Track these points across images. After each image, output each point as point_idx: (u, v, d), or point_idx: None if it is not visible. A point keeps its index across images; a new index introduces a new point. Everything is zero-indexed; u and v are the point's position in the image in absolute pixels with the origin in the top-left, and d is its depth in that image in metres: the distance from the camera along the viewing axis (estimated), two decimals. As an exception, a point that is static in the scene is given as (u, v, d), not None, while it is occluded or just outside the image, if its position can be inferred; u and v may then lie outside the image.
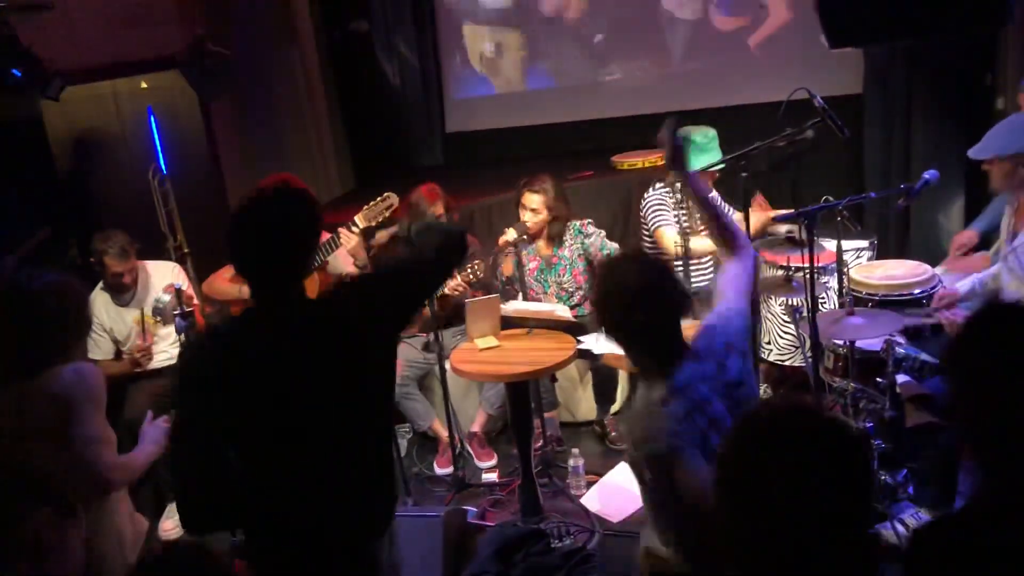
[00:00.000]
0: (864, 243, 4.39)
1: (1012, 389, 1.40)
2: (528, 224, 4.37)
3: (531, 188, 4.41)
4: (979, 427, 1.46)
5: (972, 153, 3.28)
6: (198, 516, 2.07)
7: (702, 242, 4.37)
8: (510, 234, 4.24)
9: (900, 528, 3.30)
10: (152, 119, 5.22)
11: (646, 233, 4.58)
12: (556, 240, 4.51)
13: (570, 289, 4.56)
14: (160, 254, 4.64)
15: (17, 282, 2.53)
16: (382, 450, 2.27)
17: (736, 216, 4.53)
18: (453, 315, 4.41)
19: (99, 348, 4.26)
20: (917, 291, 3.72)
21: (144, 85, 5.55)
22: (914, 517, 3.41)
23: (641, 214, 4.57)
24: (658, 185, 4.51)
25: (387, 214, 4.24)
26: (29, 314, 2.49)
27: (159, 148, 5.19)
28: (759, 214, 4.21)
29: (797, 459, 1.32)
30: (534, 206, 4.40)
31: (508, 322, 4.07)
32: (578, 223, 4.56)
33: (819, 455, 1.32)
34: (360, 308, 2.18)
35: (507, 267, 4.44)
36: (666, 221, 4.41)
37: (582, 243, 4.51)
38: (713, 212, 2.51)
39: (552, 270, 4.54)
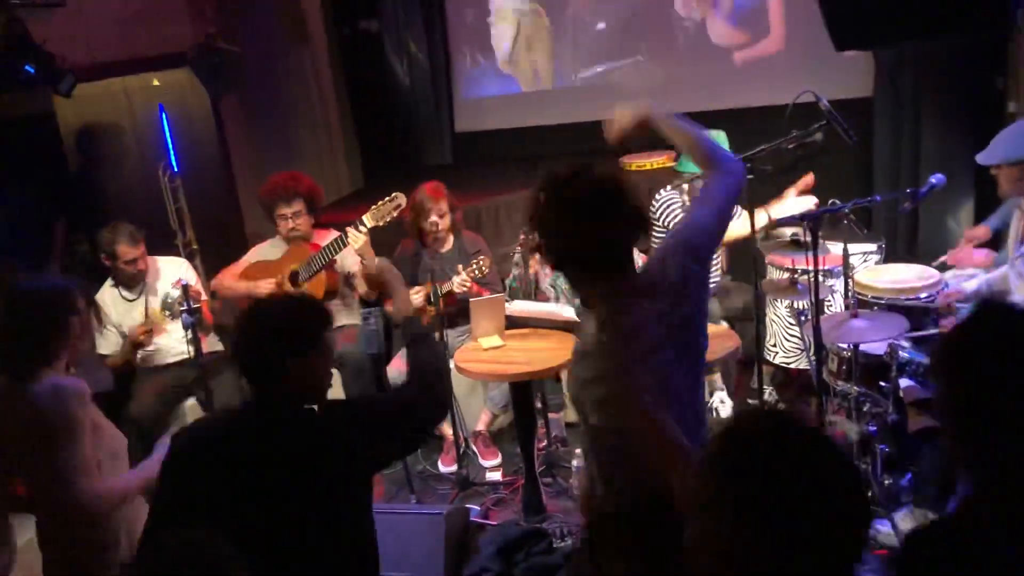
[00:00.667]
0: (872, 246, 4.37)
1: (1001, 391, 1.39)
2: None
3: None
4: (967, 429, 1.46)
5: (980, 159, 3.27)
6: None
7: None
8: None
9: (897, 530, 3.30)
10: (163, 116, 5.26)
11: (659, 232, 4.57)
12: None
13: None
14: (170, 250, 4.68)
15: (9, 286, 2.58)
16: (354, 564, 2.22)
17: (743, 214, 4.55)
18: (457, 314, 4.42)
19: (107, 342, 4.29)
20: (924, 295, 3.71)
21: (156, 82, 5.59)
22: (913, 519, 3.41)
23: (654, 217, 4.57)
24: (668, 188, 4.51)
25: (395, 214, 4.25)
26: (13, 318, 2.53)
27: (170, 145, 5.23)
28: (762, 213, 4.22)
29: (781, 480, 1.20)
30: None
31: (512, 322, 4.08)
32: None
33: (807, 474, 1.20)
34: (341, 444, 2.14)
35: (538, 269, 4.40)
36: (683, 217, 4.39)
37: None
38: (694, 136, 2.30)
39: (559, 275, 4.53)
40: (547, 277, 4.48)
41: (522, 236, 4.36)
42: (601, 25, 6.42)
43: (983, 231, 4.29)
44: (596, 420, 1.94)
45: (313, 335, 2.17)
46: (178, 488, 2.13)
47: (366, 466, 2.22)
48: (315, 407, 2.18)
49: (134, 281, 4.30)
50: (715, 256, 4.51)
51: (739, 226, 4.35)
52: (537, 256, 4.29)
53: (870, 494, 3.42)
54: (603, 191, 1.92)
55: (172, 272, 4.40)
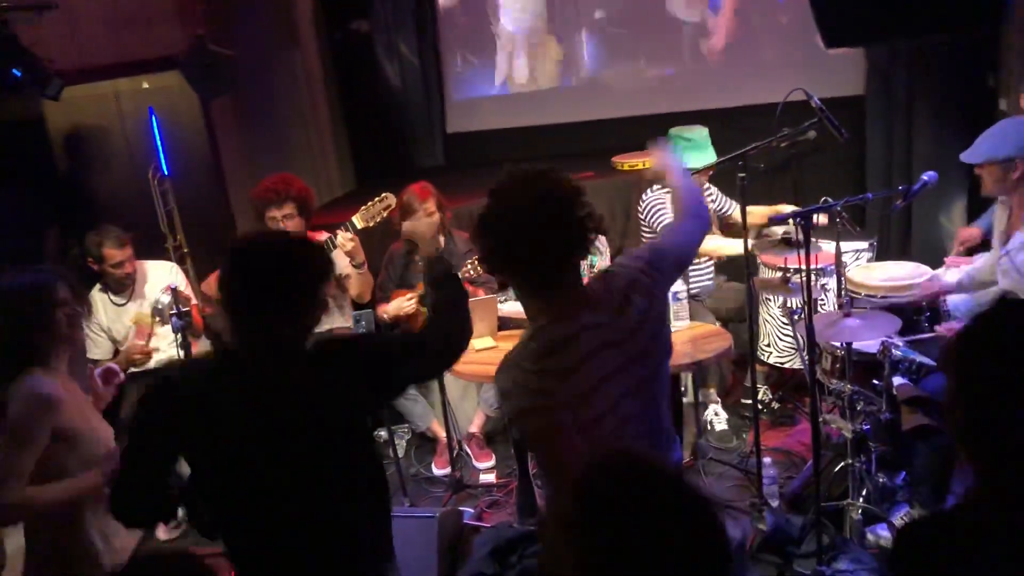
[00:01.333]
0: (864, 244, 4.37)
1: (1014, 388, 1.38)
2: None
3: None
4: (975, 427, 1.44)
5: (964, 157, 3.27)
6: (132, 517, 2.13)
7: (716, 241, 4.37)
8: None
9: (893, 529, 3.29)
10: (153, 119, 5.23)
11: (647, 234, 4.57)
12: None
13: None
14: (160, 254, 4.66)
15: None
16: (365, 507, 2.17)
17: (736, 212, 4.55)
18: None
19: (97, 348, 4.26)
20: (917, 292, 3.70)
21: (145, 85, 5.55)
22: (908, 516, 3.41)
23: (641, 216, 4.56)
24: (655, 187, 4.50)
25: (385, 215, 4.24)
26: None
27: (160, 148, 5.20)
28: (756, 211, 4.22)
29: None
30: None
31: (505, 323, 4.06)
32: (598, 240, 4.51)
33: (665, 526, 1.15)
34: (349, 378, 2.08)
35: None
36: (669, 221, 4.39)
37: (591, 258, 4.45)
38: (684, 187, 2.40)
39: None
40: None
41: None
42: (596, 27, 6.41)
43: (975, 232, 4.28)
44: (516, 432, 1.94)
45: (312, 285, 2.09)
46: (156, 438, 2.04)
47: (380, 392, 2.18)
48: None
49: (122, 286, 4.28)
50: (706, 259, 4.51)
51: (729, 245, 4.35)
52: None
53: (865, 492, 3.41)
54: (547, 202, 1.85)
55: (161, 276, 4.38)
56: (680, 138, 4.37)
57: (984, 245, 4.30)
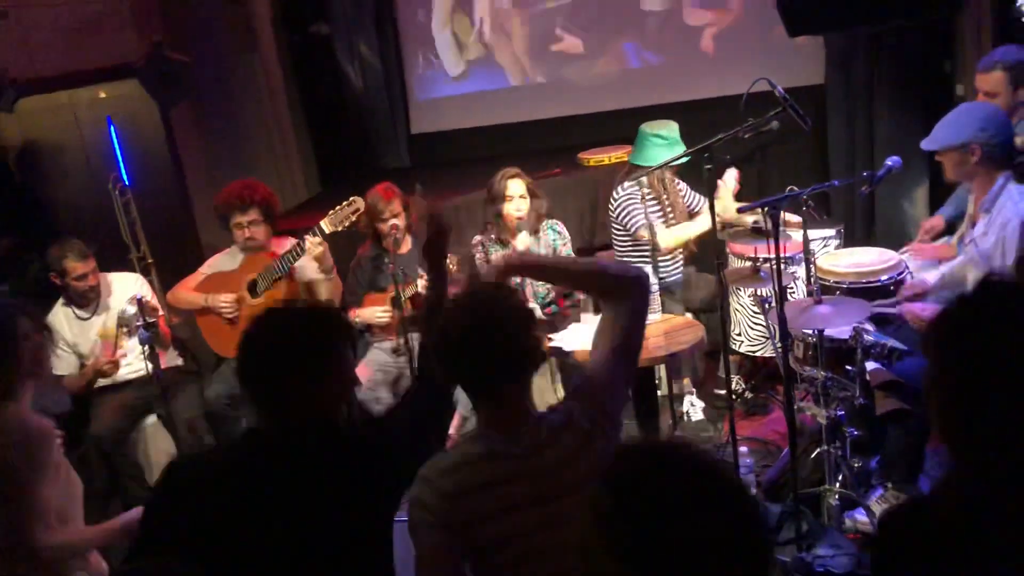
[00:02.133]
0: (831, 231, 4.41)
1: (995, 369, 1.37)
2: (521, 214, 4.29)
3: (510, 176, 4.32)
4: (953, 409, 1.44)
5: (924, 145, 3.30)
6: None
7: (672, 235, 4.38)
8: (523, 239, 4.24)
9: (871, 513, 3.33)
10: (112, 129, 5.14)
11: (618, 231, 4.56)
12: (533, 234, 4.44)
13: (546, 286, 4.53)
14: (123, 265, 4.58)
15: None
16: None
17: (705, 207, 4.57)
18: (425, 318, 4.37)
19: (63, 363, 4.18)
20: (885, 278, 3.74)
21: (102, 94, 5.47)
22: (882, 499, 3.44)
23: (612, 215, 4.55)
24: (626, 184, 4.49)
25: (353, 219, 4.20)
26: None
27: (120, 158, 5.12)
28: (725, 204, 4.24)
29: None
30: (521, 192, 4.31)
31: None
32: (554, 223, 4.52)
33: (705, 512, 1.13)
34: (383, 461, 2.01)
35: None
36: (641, 220, 4.38)
37: (555, 242, 4.47)
38: (582, 270, 2.42)
39: None
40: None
41: (480, 235, 4.34)
42: (557, 22, 6.40)
43: (937, 222, 4.33)
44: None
45: (336, 353, 2.00)
46: (172, 520, 1.94)
47: (402, 479, 2.02)
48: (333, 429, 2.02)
49: (86, 299, 4.21)
50: (677, 253, 4.53)
51: (697, 225, 4.37)
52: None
53: (841, 477, 3.44)
54: (495, 329, 1.88)
55: (126, 288, 4.31)
56: (654, 135, 4.38)
57: (947, 232, 4.36)
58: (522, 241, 4.22)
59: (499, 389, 1.92)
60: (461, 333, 1.89)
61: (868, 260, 3.88)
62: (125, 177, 4.96)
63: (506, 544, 1.89)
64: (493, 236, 4.35)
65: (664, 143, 4.34)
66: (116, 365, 4.16)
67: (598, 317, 2.18)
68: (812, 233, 3.81)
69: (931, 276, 3.65)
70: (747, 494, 1.19)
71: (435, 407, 2.26)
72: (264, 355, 1.95)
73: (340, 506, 1.94)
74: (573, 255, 4.47)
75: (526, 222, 4.29)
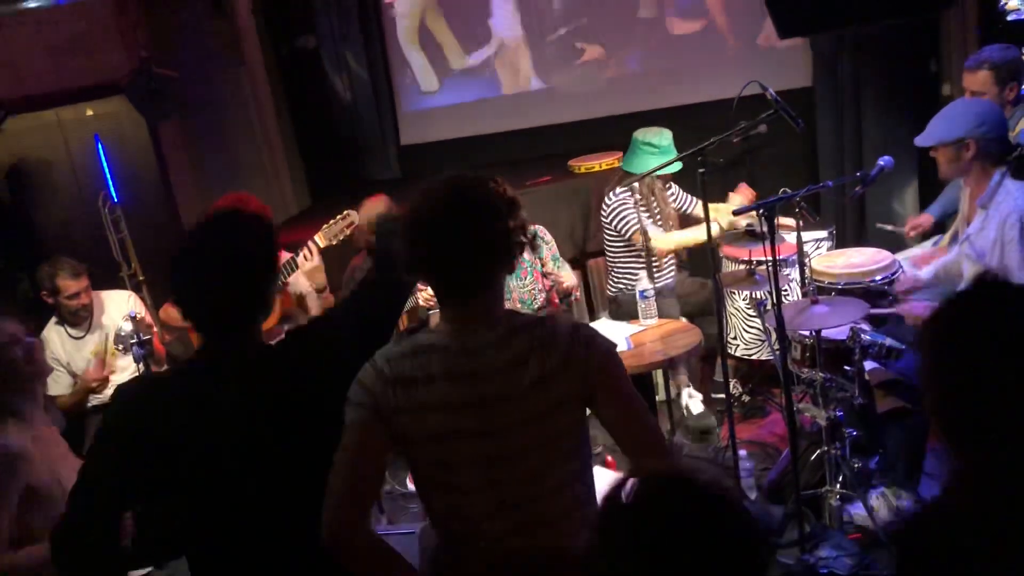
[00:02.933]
0: (823, 233, 4.42)
1: (990, 369, 1.37)
2: None
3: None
4: (951, 407, 1.44)
5: (918, 141, 3.31)
6: (73, 562, 1.88)
7: (669, 238, 4.39)
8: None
9: (871, 510, 3.33)
10: (100, 146, 5.12)
11: (611, 236, 4.57)
12: None
13: (534, 292, 4.52)
14: (115, 283, 4.55)
15: None
16: None
17: (698, 209, 4.57)
18: (420, 328, 4.35)
19: (57, 384, 4.14)
20: (879, 278, 3.74)
21: (90, 112, 5.45)
22: (885, 499, 3.43)
23: (604, 220, 4.55)
24: (618, 190, 4.50)
25: (348, 232, 4.18)
26: None
27: (108, 175, 5.09)
28: (724, 214, 4.24)
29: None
30: None
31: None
32: (537, 229, 4.51)
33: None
34: (322, 357, 1.99)
35: None
36: (635, 222, 4.38)
37: (539, 247, 4.45)
38: None
39: (514, 275, 4.46)
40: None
41: None
42: (546, 31, 6.40)
43: (926, 219, 4.36)
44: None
45: (274, 253, 2.00)
46: (122, 452, 1.89)
47: (359, 351, 1.97)
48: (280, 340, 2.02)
49: (79, 318, 4.17)
50: (669, 258, 4.53)
51: (693, 233, 4.37)
52: None
53: (842, 478, 3.44)
54: (470, 208, 1.76)
55: (118, 305, 4.28)
56: (646, 143, 4.39)
57: (936, 230, 4.38)
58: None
59: (467, 282, 1.78)
60: (432, 212, 1.75)
61: (862, 260, 3.89)
62: (114, 194, 4.93)
63: (430, 441, 1.80)
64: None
65: (656, 151, 4.35)
66: (107, 382, 4.13)
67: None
68: (805, 235, 3.82)
69: (926, 272, 3.67)
70: (748, 529, 1.17)
71: (389, 303, 2.19)
72: (196, 272, 1.91)
73: (293, 406, 1.93)
74: (561, 260, 4.47)
75: None
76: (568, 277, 4.35)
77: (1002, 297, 1.44)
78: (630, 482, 1.19)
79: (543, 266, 4.41)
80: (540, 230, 4.51)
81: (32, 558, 2.36)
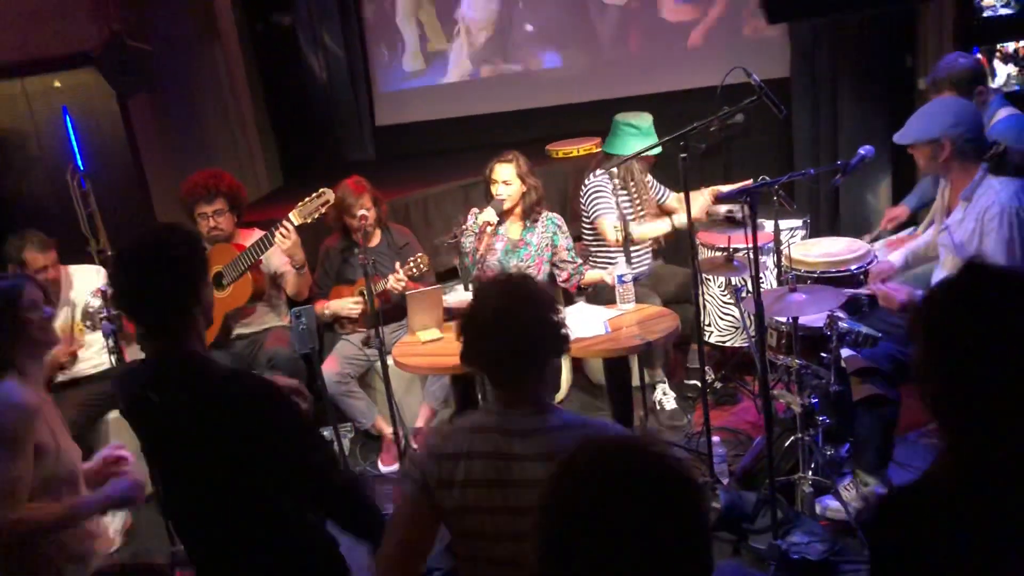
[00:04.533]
0: (798, 222, 4.45)
1: (984, 354, 1.38)
2: (503, 198, 4.21)
3: (500, 160, 4.27)
4: (946, 392, 1.44)
5: (896, 138, 3.33)
6: None
7: (643, 228, 4.39)
8: (488, 213, 4.09)
9: (842, 499, 3.36)
10: (68, 119, 5.01)
11: (586, 221, 4.56)
12: (528, 222, 4.36)
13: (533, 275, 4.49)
14: (82, 258, 4.46)
15: None
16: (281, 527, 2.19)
17: (676, 197, 4.57)
18: (393, 310, 4.31)
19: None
20: (854, 267, 3.78)
21: (57, 84, 5.32)
22: (855, 486, 3.47)
23: (581, 203, 4.54)
24: (597, 172, 4.49)
25: (323, 210, 4.13)
26: None
27: (76, 149, 4.99)
28: (702, 198, 4.24)
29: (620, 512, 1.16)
30: (505, 177, 4.24)
31: (452, 314, 4.00)
32: (555, 217, 4.45)
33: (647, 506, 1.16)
34: (244, 429, 2.07)
35: (482, 242, 4.20)
36: (606, 209, 4.39)
37: (554, 236, 4.41)
38: None
39: (516, 254, 4.36)
40: (495, 255, 4.36)
41: (461, 219, 4.27)
42: (526, 14, 6.36)
43: (902, 211, 4.41)
44: None
45: (202, 261, 2.18)
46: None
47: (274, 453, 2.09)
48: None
49: (48, 293, 4.08)
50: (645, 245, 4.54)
51: (656, 227, 4.39)
52: (487, 236, 4.22)
53: (814, 465, 3.46)
54: (509, 306, 1.95)
55: (87, 280, 4.21)
56: (628, 125, 4.39)
57: (910, 222, 4.43)
58: (487, 216, 4.14)
59: (517, 370, 1.95)
60: (493, 312, 1.94)
61: (837, 250, 3.93)
62: (82, 168, 4.83)
63: (464, 515, 1.95)
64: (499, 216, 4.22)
65: (637, 132, 4.36)
66: (74, 357, 4.05)
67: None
68: (781, 224, 3.84)
69: (896, 257, 3.70)
70: (692, 495, 1.21)
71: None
72: (151, 281, 2.07)
73: (203, 429, 2.07)
74: (572, 249, 4.44)
75: (498, 203, 4.20)
76: (591, 274, 4.39)
77: (991, 282, 1.45)
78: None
79: (554, 255, 4.36)
80: (558, 219, 4.44)
81: (46, 514, 2.40)
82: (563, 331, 1.99)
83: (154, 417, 2.12)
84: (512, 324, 1.92)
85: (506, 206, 4.23)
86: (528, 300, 1.96)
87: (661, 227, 4.40)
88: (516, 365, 1.95)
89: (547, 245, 4.36)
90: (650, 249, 4.68)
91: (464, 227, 4.11)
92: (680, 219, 4.21)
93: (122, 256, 2.14)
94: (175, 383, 2.09)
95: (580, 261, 4.43)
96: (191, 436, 2.08)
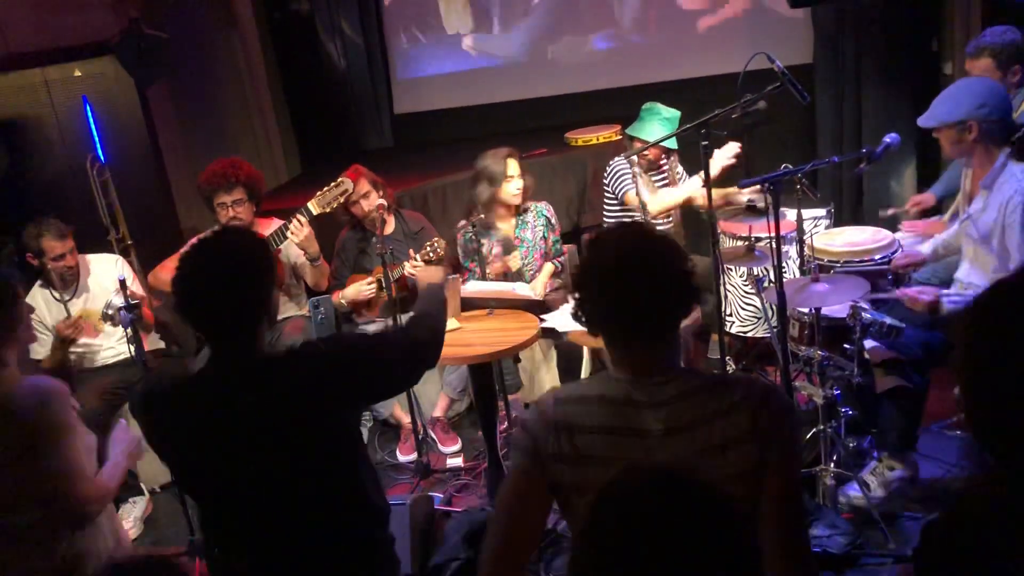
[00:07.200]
0: (822, 211, 4.38)
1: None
2: (516, 193, 4.30)
3: (508, 155, 4.29)
4: (995, 418, 1.32)
5: (920, 122, 3.27)
6: None
7: (659, 196, 4.37)
8: (514, 261, 4.32)
9: (866, 488, 3.33)
10: (88, 107, 5.02)
11: (611, 203, 4.55)
12: (518, 218, 4.39)
13: (532, 271, 4.48)
14: (102, 247, 4.47)
15: None
16: (343, 511, 2.16)
17: (697, 183, 4.53)
18: (411, 299, 4.30)
19: (42, 347, 4.07)
20: (878, 257, 3.72)
21: (77, 72, 5.32)
22: (878, 472, 3.42)
23: (605, 184, 4.56)
24: (619, 157, 4.49)
25: (341, 200, 4.12)
26: None
27: (96, 138, 4.99)
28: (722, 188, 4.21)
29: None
30: (519, 172, 4.31)
31: (468, 303, 3.97)
32: (543, 208, 4.46)
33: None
34: (321, 382, 2.04)
35: (514, 261, 4.35)
36: (631, 186, 4.36)
37: (545, 227, 4.41)
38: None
39: (516, 252, 4.43)
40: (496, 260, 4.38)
41: (464, 220, 4.28)
42: (547, 2, 6.30)
43: (928, 198, 4.33)
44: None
45: (271, 265, 2.11)
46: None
47: (355, 396, 2.16)
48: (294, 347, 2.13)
49: (65, 281, 4.09)
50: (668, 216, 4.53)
51: (681, 190, 4.38)
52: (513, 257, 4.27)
53: (836, 457, 3.42)
54: (641, 249, 1.70)
55: (106, 270, 4.21)
56: (657, 114, 4.40)
57: (936, 209, 4.36)
58: (512, 263, 4.30)
59: (643, 328, 1.68)
60: (615, 259, 1.68)
61: (862, 239, 3.87)
62: (102, 157, 4.84)
63: (582, 494, 1.70)
64: (476, 222, 4.22)
65: (666, 122, 4.38)
66: (77, 327, 4.02)
67: None
68: (803, 213, 3.78)
69: (925, 248, 3.64)
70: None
71: (412, 363, 2.27)
72: (196, 283, 2.01)
73: (292, 416, 2.02)
74: (560, 243, 4.47)
75: (514, 246, 4.31)
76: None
77: None
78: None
79: (547, 246, 4.38)
80: (547, 210, 4.45)
81: (106, 481, 2.51)
82: (695, 284, 1.71)
83: (231, 423, 2.02)
84: (655, 272, 1.66)
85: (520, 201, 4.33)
86: (665, 246, 1.71)
87: (677, 193, 4.40)
88: (655, 321, 1.68)
89: (541, 239, 4.38)
90: (671, 218, 4.66)
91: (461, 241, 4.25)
92: (694, 184, 4.24)
93: (198, 263, 2.03)
94: (261, 382, 2.03)
95: (563, 252, 4.54)
96: (281, 427, 2.02)
